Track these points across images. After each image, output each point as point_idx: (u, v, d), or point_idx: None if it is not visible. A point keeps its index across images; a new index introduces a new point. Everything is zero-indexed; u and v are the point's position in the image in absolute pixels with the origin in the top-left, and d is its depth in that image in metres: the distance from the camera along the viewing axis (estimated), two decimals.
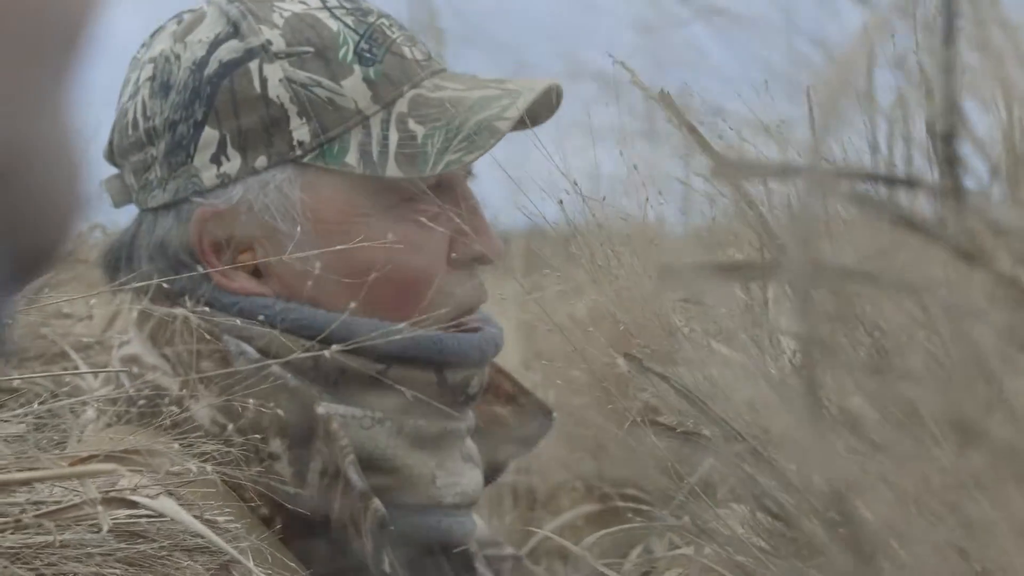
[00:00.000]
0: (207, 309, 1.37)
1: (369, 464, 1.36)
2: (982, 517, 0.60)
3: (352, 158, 1.38)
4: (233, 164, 1.39)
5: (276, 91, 1.38)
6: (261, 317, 1.38)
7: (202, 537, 1.10)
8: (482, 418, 1.54)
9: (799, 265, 0.51)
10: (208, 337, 1.36)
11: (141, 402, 1.36)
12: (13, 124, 0.43)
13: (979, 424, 0.58)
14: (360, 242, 1.35)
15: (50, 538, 1.03)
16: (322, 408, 1.33)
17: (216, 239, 1.41)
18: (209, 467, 1.16)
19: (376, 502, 1.32)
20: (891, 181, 0.61)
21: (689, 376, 1.15)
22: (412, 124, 1.38)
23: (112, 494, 1.07)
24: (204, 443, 1.22)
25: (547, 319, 1.45)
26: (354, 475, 1.32)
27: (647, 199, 1.23)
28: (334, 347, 1.33)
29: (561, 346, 1.86)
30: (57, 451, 1.13)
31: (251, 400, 1.32)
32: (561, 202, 1.24)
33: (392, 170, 1.37)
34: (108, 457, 1.11)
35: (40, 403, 1.21)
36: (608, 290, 1.25)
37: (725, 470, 1.17)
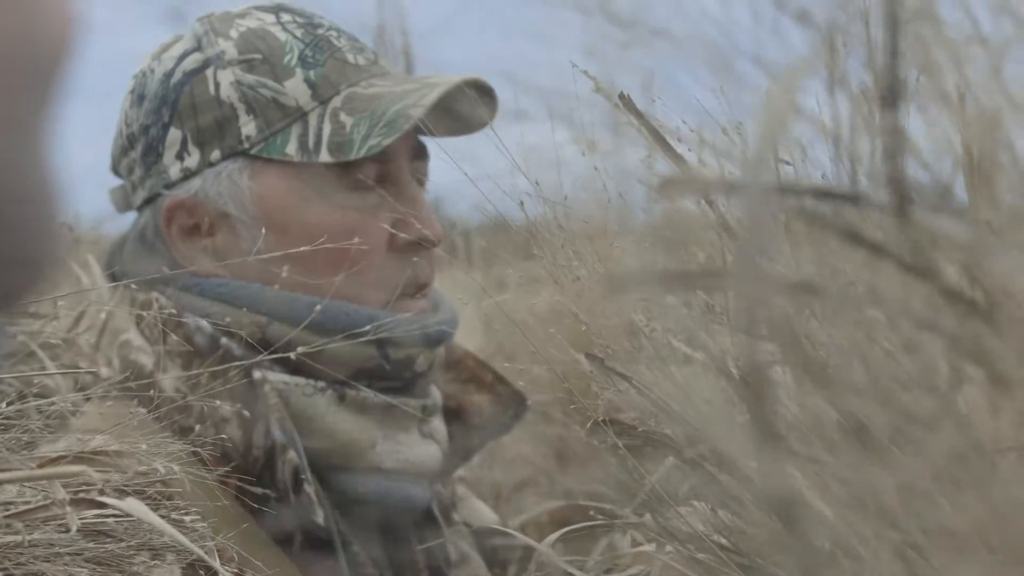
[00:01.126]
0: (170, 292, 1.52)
1: (309, 429, 1.48)
2: (930, 524, 0.61)
3: (292, 148, 1.51)
4: (193, 158, 1.54)
5: (227, 92, 1.54)
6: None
7: (169, 536, 1.11)
8: (461, 405, 1.68)
9: (746, 279, 0.53)
10: (172, 317, 1.49)
11: (114, 384, 1.45)
12: None
13: (926, 433, 0.59)
14: (323, 243, 1.47)
15: (19, 538, 1.04)
16: (258, 373, 1.46)
17: (182, 226, 1.56)
18: (176, 467, 1.17)
19: (291, 453, 1.44)
20: (836, 197, 0.62)
21: (650, 375, 1.16)
22: (343, 116, 1.52)
23: (80, 494, 1.08)
24: (172, 442, 1.25)
25: (509, 318, 1.46)
26: (276, 428, 1.44)
27: (609, 200, 1.24)
28: (300, 349, 1.42)
29: (523, 342, 1.88)
30: (27, 451, 1.14)
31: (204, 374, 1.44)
32: (522, 204, 1.25)
33: (324, 156, 1.50)
34: (76, 458, 1.12)
35: (8, 404, 1.22)
36: (570, 290, 1.26)
37: (686, 468, 1.18)
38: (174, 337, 1.47)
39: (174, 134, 1.55)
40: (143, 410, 1.38)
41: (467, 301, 1.56)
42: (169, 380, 1.45)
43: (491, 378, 1.69)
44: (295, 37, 1.57)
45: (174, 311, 1.49)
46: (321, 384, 1.49)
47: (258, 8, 1.62)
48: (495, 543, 1.74)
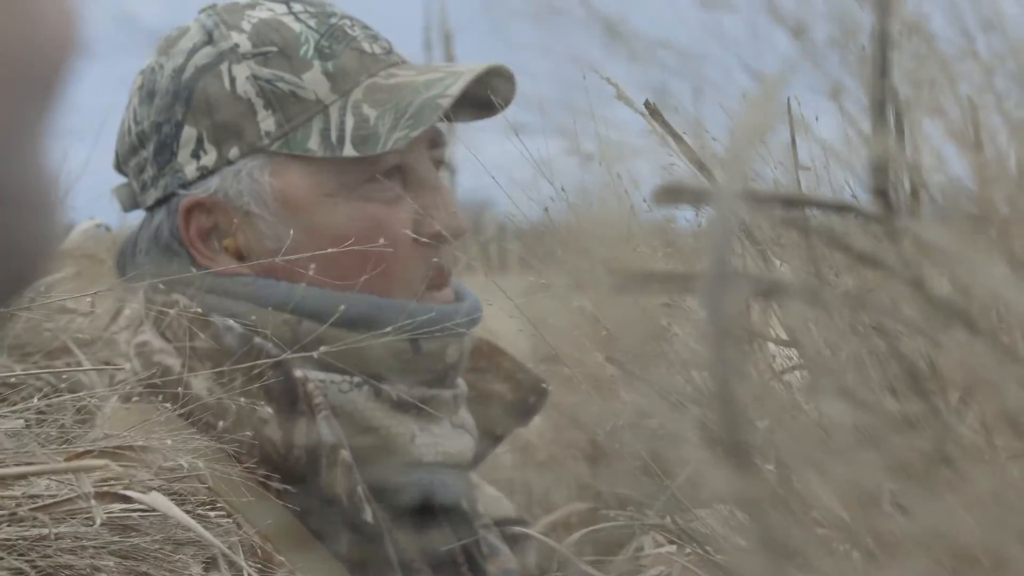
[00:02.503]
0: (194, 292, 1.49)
1: (349, 425, 1.46)
2: (898, 532, 0.63)
3: (313, 143, 1.49)
4: (210, 157, 1.52)
5: (244, 87, 1.51)
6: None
7: (193, 531, 1.13)
8: (481, 393, 1.65)
9: (713, 282, 0.54)
10: (199, 317, 1.46)
11: (140, 383, 1.44)
12: None
13: (901, 436, 0.61)
14: (350, 246, 1.45)
15: (45, 531, 1.06)
16: (299, 372, 1.43)
17: (201, 226, 1.54)
18: (201, 463, 1.19)
19: (344, 452, 1.42)
20: (825, 205, 0.64)
21: (671, 379, 1.17)
22: (366, 109, 1.49)
23: (105, 489, 1.10)
24: (197, 439, 1.26)
25: (527, 318, 1.47)
26: (324, 429, 1.42)
27: (631, 207, 1.25)
28: (322, 348, 1.42)
29: (561, 344, 1.89)
30: (56, 445, 1.16)
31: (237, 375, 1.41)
32: (547, 209, 1.27)
33: (348, 151, 1.48)
34: (102, 453, 1.14)
35: (40, 398, 1.24)
36: (592, 294, 1.27)
37: (707, 471, 1.19)
38: (201, 337, 1.45)
39: (189, 132, 1.52)
40: (170, 407, 1.38)
41: (491, 303, 1.56)
42: (200, 382, 1.43)
43: (509, 365, 1.67)
44: (309, 27, 1.54)
45: (199, 312, 1.46)
46: (357, 380, 1.48)
47: None
48: (514, 531, 1.73)
